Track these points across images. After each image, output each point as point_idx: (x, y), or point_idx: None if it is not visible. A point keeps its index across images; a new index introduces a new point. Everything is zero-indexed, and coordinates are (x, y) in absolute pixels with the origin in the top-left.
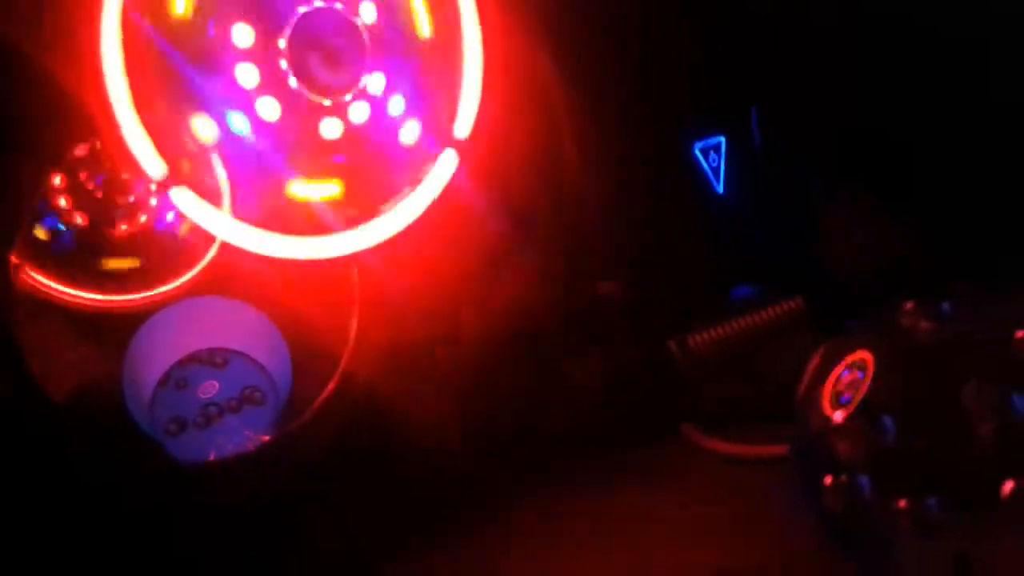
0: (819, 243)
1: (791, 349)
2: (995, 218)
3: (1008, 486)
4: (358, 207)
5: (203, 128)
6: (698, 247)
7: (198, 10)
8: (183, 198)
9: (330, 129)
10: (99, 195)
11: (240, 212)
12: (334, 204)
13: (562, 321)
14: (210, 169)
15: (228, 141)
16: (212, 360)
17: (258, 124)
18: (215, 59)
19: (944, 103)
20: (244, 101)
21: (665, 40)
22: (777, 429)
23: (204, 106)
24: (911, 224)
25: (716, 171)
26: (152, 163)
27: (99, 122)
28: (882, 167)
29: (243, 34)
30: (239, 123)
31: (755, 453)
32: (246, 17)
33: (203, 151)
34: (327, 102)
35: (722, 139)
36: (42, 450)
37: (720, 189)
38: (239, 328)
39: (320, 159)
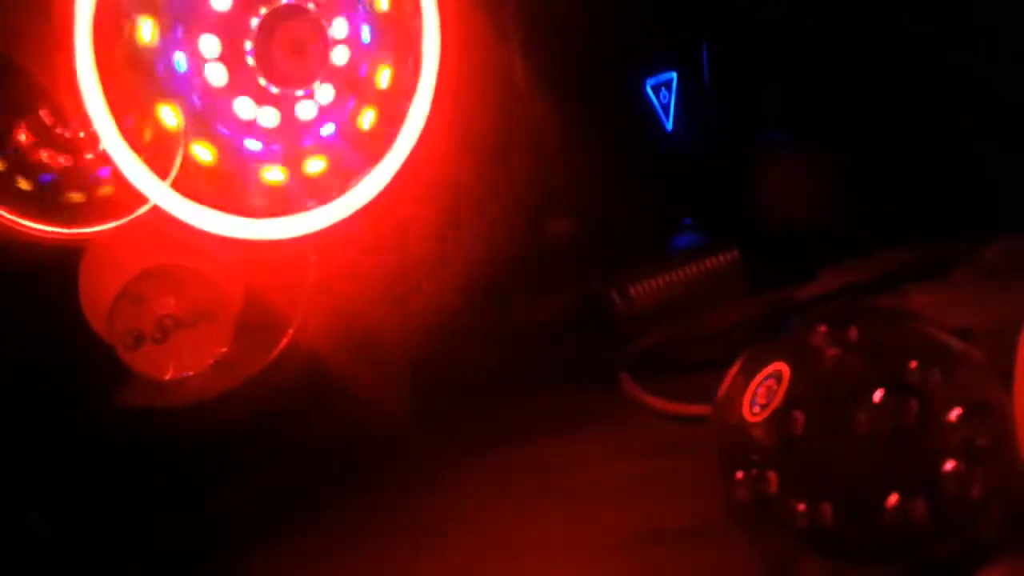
0: (759, 191)
1: (727, 300)
2: (935, 179)
3: (892, 499)
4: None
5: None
6: (644, 188)
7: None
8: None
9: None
10: (57, 129)
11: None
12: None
13: (513, 262)
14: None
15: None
16: (167, 275)
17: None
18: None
19: (902, 56)
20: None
21: None
22: (714, 379)
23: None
24: (853, 178)
25: (666, 108)
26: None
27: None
28: (832, 117)
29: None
30: None
31: (687, 411)
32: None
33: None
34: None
35: (674, 75)
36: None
37: (669, 127)
38: (194, 244)
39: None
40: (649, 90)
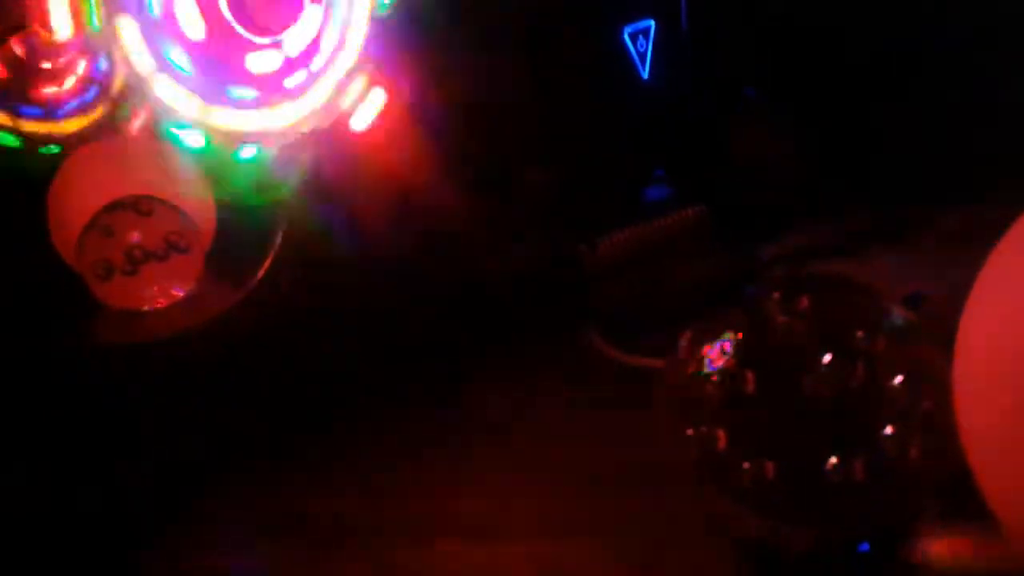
0: (731, 146)
1: (694, 256)
2: (905, 143)
3: (832, 460)
4: None
5: None
6: (619, 138)
7: None
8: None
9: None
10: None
11: None
12: None
13: (483, 212)
14: None
15: None
16: (137, 207)
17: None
18: None
19: (878, 17)
20: None
21: None
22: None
23: None
24: (824, 138)
25: (643, 57)
26: None
27: None
28: (807, 74)
29: None
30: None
31: (649, 365)
32: None
33: None
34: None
35: (652, 24)
36: None
37: (645, 75)
38: (165, 175)
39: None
40: (627, 38)
